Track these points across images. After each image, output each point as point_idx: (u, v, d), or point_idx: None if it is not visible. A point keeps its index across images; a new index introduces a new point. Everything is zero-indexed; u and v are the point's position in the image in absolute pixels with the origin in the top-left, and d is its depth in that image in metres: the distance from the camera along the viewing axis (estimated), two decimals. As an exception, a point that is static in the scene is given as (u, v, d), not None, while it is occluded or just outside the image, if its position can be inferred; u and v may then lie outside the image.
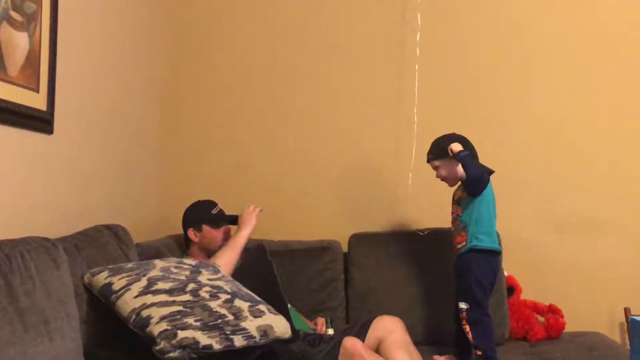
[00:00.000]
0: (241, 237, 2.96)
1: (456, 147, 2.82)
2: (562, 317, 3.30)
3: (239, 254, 2.93)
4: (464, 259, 2.84)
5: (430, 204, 3.07)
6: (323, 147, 3.71)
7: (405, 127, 3.53)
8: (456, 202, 2.94)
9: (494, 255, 2.88)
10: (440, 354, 2.93)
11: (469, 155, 2.81)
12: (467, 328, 2.78)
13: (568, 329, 3.29)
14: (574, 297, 3.44)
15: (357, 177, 3.68)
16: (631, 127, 3.51)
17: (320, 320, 3.10)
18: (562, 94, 3.56)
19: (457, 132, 2.95)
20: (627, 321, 3.33)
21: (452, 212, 2.95)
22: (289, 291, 3.11)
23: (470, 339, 2.77)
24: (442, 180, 2.94)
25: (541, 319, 3.36)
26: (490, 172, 2.87)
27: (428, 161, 2.97)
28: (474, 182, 2.80)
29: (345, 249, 3.46)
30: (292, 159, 3.74)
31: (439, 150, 2.91)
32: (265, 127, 3.76)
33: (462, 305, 2.81)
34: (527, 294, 3.43)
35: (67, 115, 2.65)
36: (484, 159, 2.98)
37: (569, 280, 3.48)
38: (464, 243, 2.84)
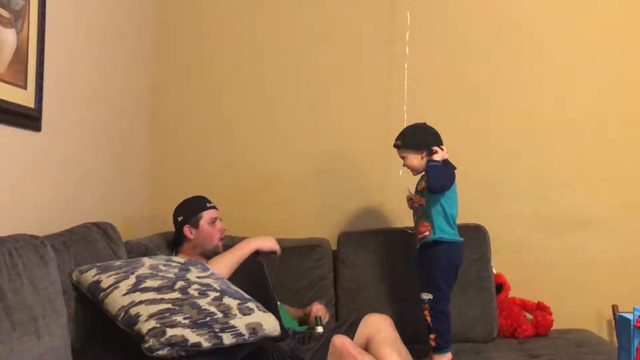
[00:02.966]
0: (247, 246, 2.90)
1: (437, 155, 2.84)
2: (551, 314, 3.31)
3: (239, 261, 2.86)
4: (431, 252, 2.87)
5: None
6: (312, 145, 3.71)
7: (395, 125, 3.50)
8: (419, 192, 2.95)
9: (459, 246, 2.91)
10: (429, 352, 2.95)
11: (439, 168, 2.82)
12: (429, 319, 2.84)
13: (556, 326, 3.30)
14: (562, 294, 3.45)
15: (346, 176, 3.68)
16: (621, 126, 3.52)
17: (315, 307, 3.09)
18: (551, 93, 3.57)
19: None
20: (614, 318, 3.34)
21: (415, 202, 2.96)
22: (278, 288, 3.13)
23: (429, 322, 2.84)
24: (406, 167, 2.96)
25: (529, 316, 3.37)
26: (454, 169, 2.90)
27: (396, 146, 2.96)
28: (431, 191, 2.83)
29: (334, 247, 3.46)
30: (281, 157, 3.73)
31: (413, 143, 2.92)
32: (254, 125, 3.75)
33: (425, 296, 2.85)
34: (516, 291, 3.44)
35: (56, 112, 2.64)
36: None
37: (557, 278, 3.49)
38: (427, 233, 2.87)
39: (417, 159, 2.91)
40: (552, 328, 3.29)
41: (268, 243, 2.96)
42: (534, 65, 3.58)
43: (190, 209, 3.08)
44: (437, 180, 2.80)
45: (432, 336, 2.85)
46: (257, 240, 2.93)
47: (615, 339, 3.31)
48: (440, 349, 2.84)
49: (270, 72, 3.76)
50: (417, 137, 2.92)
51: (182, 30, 3.82)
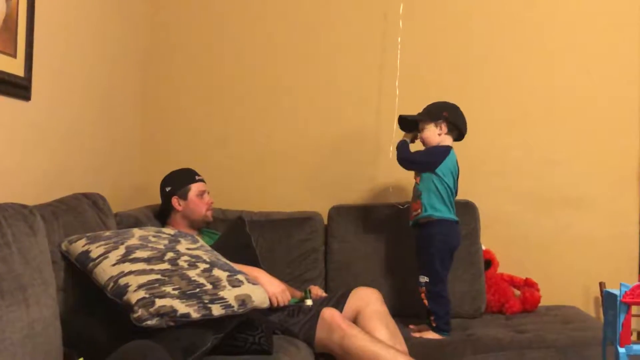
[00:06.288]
0: (252, 274, 2.56)
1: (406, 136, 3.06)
2: (538, 290, 3.33)
3: None
4: (426, 232, 2.93)
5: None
6: (304, 119, 3.70)
7: (387, 99, 3.52)
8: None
9: (453, 225, 2.96)
10: (417, 325, 2.97)
11: (406, 145, 3.02)
12: (426, 303, 2.89)
13: (544, 302, 3.32)
14: (550, 271, 3.46)
15: (338, 150, 3.67)
16: (611, 103, 3.51)
17: (314, 289, 3.09)
18: (543, 69, 3.55)
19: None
20: (602, 295, 3.36)
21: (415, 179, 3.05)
22: (268, 260, 3.15)
23: (427, 305, 2.88)
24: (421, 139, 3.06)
25: (517, 292, 3.39)
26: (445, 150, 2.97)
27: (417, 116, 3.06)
28: (400, 162, 3.01)
29: (327, 222, 3.46)
30: (272, 130, 3.72)
31: (430, 112, 3.01)
32: (246, 98, 3.73)
33: (422, 279, 2.89)
34: (504, 267, 3.45)
35: (46, 81, 2.62)
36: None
37: (545, 255, 3.50)
38: (419, 211, 2.93)
39: (431, 131, 2.95)
40: (540, 304, 3.31)
41: (274, 285, 2.69)
42: (525, 41, 3.56)
43: (179, 181, 3.10)
44: (398, 155, 2.97)
45: (432, 317, 2.89)
46: (261, 279, 2.63)
47: (602, 316, 3.32)
48: (440, 330, 2.87)
49: (263, 46, 3.72)
50: (436, 108, 2.99)
51: (177, 2, 3.78)
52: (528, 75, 3.56)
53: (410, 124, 3.07)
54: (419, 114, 3.02)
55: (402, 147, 3.02)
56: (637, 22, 3.50)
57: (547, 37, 3.56)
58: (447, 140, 2.99)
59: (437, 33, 3.61)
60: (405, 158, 3.00)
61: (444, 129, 2.96)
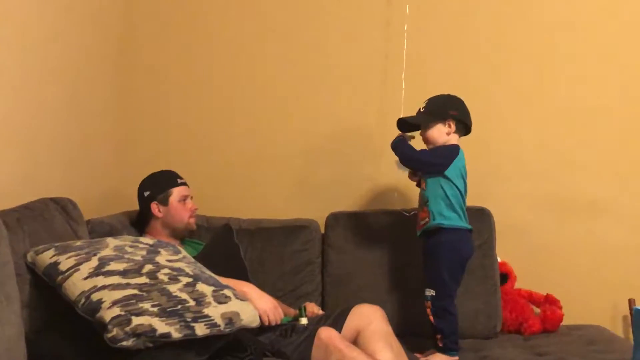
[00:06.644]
0: (241, 289, 2.56)
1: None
2: (560, 308, 3.33)
3: None
4: (434, 241, 2.92)
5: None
6: (298, 115, 3.70)
7: (392, 94, 3.52)
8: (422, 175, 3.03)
9: (465, 234, 2.95)
10: (424, 347, 2.96)
11: (405, 141, 2.96)
12: (432, 319, 2.88)
13: (566, 321, 3.32)
14: (573, 286, 3.47)
15: (336, 150, 3.68)
16: (637, 101, 3.52)
17: (309, 306, 3.09)
18: (566, 61, 3.56)
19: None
20: (631, 313, 3.36)
21: (416, 178, 3.06)
22: (259, 274, 3.15)
23: (433, 322, 2.87)
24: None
25: (537, 310, 3.39)
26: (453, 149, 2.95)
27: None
28: (406, 163, 2.98)
29: (324, 230, 3.46)
30: (262, 128, 3.72)
31: (432, 109, 2.97)
32: (233, 91, 3.74)
33: (428, 292, 2.89)
34: (522, 282, 3.45)
35: (9, 76, 2.62)
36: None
37: (568, 268, 3.51)
38: (427, 219, 2.92)
39: (439, 130, 2.94)
40: (562, 323, 3.31)
41: (264, 301, 2.65)
42: (544, 35, 3.57)
43: (159, 184, 3.10)
44: (400, 153, 2.94)
45: (438, 336, 2.88)
46: (250, 294, 2.59)
47: (631, 336, 3.34)
48: (448, 350, 2.87)
49: (253, 31, 3.72)
50: (442, 106, 2.97)
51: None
52: (549, 68, 3.57)
53: (412, 127, 3.04)
54: (423, 113, 2.98)
55: (403, 144, 2.97)
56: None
57: (571, 26, 3.56)
58: (454, 139, 2.97)
59: (448, 19, 3.62)
60: (412, 157, 2.94)
61: (453, 127, 2.95)
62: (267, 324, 2.61)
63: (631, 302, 3.40)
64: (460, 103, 2.98)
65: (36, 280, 2.26)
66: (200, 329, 2.12)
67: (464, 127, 2.99)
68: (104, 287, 2.13)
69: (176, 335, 2.07)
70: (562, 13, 3.57)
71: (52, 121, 3.01)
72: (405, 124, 3.03)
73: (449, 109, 2.95)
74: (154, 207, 3.06)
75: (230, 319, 2.21)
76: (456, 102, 2.98)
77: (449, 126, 2.94)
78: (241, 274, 2.81)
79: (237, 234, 3.05)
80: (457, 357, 2.88)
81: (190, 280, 2.29)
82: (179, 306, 2.14)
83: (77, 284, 2.16)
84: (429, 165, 2.95)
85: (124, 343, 2.01)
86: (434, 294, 2.87)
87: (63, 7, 3.11)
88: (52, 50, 3.02)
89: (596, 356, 2.81)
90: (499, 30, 3.60)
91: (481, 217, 3.29)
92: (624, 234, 3.49)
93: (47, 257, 2.26)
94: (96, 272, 2.19)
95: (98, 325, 2.06)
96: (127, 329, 2.01)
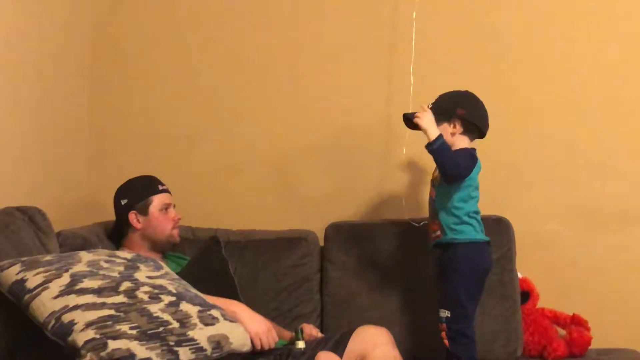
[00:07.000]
0: (230, 308, 2.56)
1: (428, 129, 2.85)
2: (588, 330, 3.34)
3: None
4: (448, 255, 2.91)
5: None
6: (296, 113, 3.71)
7: (399, 90, 3.52)
8: (431, 182, 3.01)
9: (482, 246, 2.94)
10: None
11: (445, 145, 2.85)
12: (447, 343, 2.86)
13: (595, 344, 3.32)
14: (603, 305, 3.46)
15: (336, 153, 3.69)
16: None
17: (307, 328, 3.08)
18: (594, 55, 3.55)
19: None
20: (667, 336, 3.36)
21: (429, 194, 3.03)
22: (250, 292, 3.14)
23: (448, 347, 2.85)
24: None
25: (562, 332, 3.39)
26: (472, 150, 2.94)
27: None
28: (448, 180, 2.86)
29: (323, 242, 3.46)
30: (253, 129, 3.73)
31: (439, 107, 2.95)
32: (219, 90, 3.75)
33: (442, 314, 2.87)
34: (546, 301, 3.45)
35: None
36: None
37: (597, 285, 3.50)
38: (439, 232, 2.93)
39: (443, 130, 2.91)
40: (590, 347, 3.31)
41: (255, 323, 2.61)
42: (574, 19, 3.56)
43: (138, 192, 3.10)
44: (450, 163, 2.82)
45: None
46: (241, 315, 2.58)
47: (667, 361, 3.34)
48: None
49: (247, 20, 3.74)
50: (448, 102, 2.95)
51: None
52: (575, 62, 3.56)
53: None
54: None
55: (445, 148, 2.85)
56: None
57: (600, 16, 3.55)
58: (462, 142, 2.95)
59: (461, 6, 3.62)
60: (458, 164, 2.84)
61: (459, 127, 2.94)
62: (259, 348, 2.60)
63: (667, 323, 3.41)
64: (473, 101, 2.97)
65: (0, 299, 2.24)
66: (185, 354, 2.12)
67: (477, 129, 2.98)
68: (76, 307, 2.12)
69: (158, 360, 2.06)
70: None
71: (19, 122, 3.01)
72: (409, 122, 3.02)
73: (457, 107, 2.94)
74: (132, 217, 3.06)
75: (218, 342, 2.21)
76: (467, 99, 2.98)
77: (454, 126, 2.93)
78: (230, 292, 2.82)
79: (226, 247, 3.07)
80: None
81: (174, 299, 2.29)
82: (161, 328, 2.14)
83: (46, 304, 2.15)
84: (465, 169, 2.87)
85: (99, 370, 2.01)
86: (449, 316, 2.86)
87: (34, 11, 3.13)
88: (22, 52, 3.04)
89: (629, 383, 2.82)
90: (521, 15, 3.59)
91: (499, 228, 3.29)
92: (659, 248, 3.50)
93: (12, 273, 2.25)
94: (68, 291, 2.18)
95: (70, 350, 2.05)
96: (103, 354, 2.00)
